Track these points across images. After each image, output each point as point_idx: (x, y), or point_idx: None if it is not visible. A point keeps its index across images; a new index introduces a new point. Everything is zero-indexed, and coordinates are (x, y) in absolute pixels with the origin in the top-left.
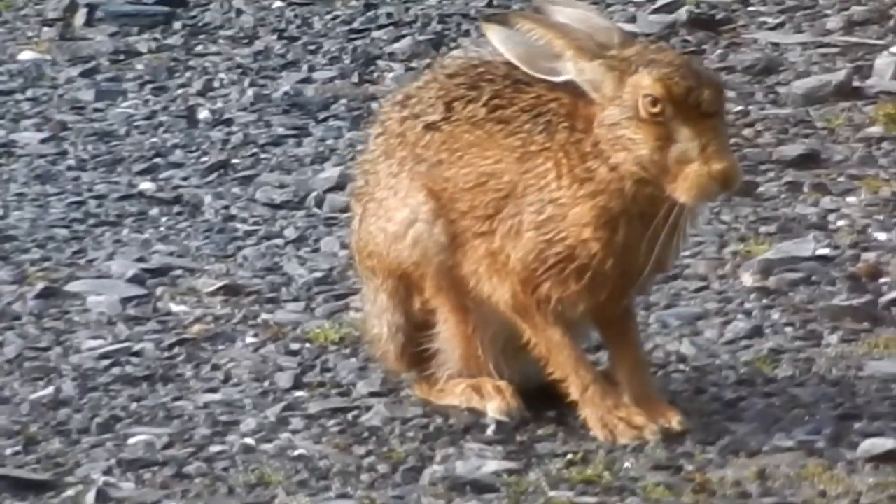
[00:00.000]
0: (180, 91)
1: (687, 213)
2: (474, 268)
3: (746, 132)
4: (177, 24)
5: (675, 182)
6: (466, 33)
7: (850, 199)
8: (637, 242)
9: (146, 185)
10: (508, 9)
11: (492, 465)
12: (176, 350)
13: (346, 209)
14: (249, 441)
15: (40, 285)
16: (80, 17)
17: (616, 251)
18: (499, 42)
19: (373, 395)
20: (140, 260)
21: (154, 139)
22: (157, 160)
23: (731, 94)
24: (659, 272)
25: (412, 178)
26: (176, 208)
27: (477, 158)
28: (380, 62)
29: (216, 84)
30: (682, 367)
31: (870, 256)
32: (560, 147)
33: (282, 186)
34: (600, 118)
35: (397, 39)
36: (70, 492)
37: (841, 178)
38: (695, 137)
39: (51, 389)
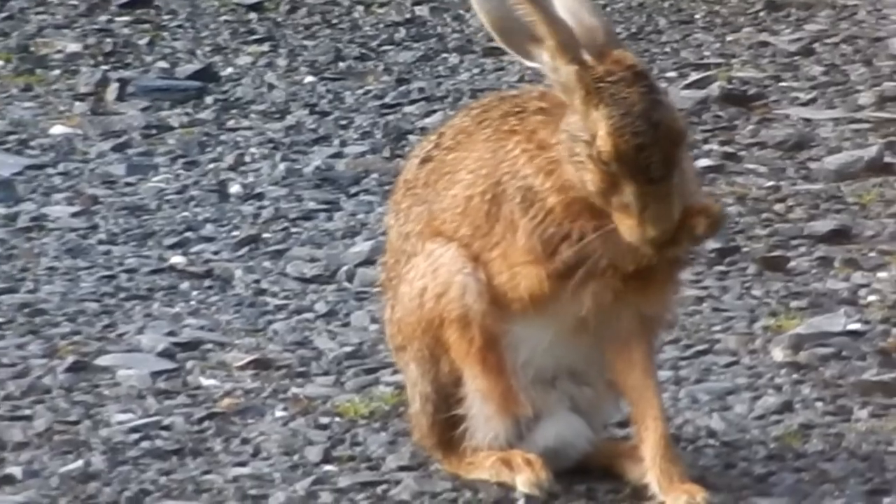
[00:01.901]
0: (212, 165)
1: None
2: (500, 278)
3: (778, 207)
4: (209, 99)
5: (615, 221)
6: None
7: (881, 274)
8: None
9: (177, 259)
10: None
11: None
12: (206, 424)
13: (376, 283)
14: None
15: (70, 359)
16: (111, 92)
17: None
18: (480, 4)
19: (402, 468)
20: (170, 334)
21: (185, 213)
22: (188, 234)
23: (762, 169)
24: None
25: (420, 226)
26: (206, 282)
27: (462, 173)
28: (411, 137)
29: (247, 158)
30: (712, 441)
31: None
32: (529, 130)
33: (312, 261)
34: (566, 121)
35: (429, 114)
36: None
37: (872, 254)
38: (636, 200)
39: (80, 463)
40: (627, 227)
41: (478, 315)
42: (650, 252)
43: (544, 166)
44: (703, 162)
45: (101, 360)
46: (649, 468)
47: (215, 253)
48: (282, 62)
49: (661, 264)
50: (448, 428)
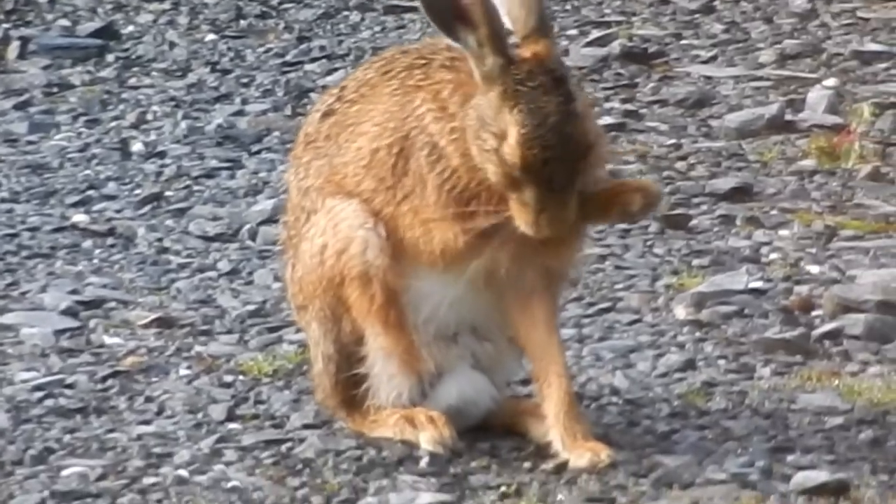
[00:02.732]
0: (113, 123)
1: None
2: (410, 233)
3: (679, 165)
4: (110, 57)
5: (512, 208)
6: None
7: (783, 232)
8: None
9: (79, 218)
10: None
11: (425, 498)
12: (109, 382)
13: (278, 241)
14: (183, 473)
15: None
16: (13, 50)
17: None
18: None
19: (306, 426)
20: (73, 292)
21: (87, 171)
22: (91, 193)
23: (663, 127)
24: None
25: (320, 181)
26: (109, 241)
27: (366, 125)
28: (312, 95)
29: (149, 116)
30: (615, 399)
31: (802, 289)
32: (434, 84)
33: (215, 219)
34: (477, 100)
35: (330, 72)
36: None
37: (773, 212)
38: (535, 203)
39: None
40: (523, 220)
41: (379, 271)
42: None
43: (448, 131)
44: (605, 120)
45: (4, 319)
46: (552, 426)
47: (118, 211)
48: (183, 20)
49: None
50: (351, 387)
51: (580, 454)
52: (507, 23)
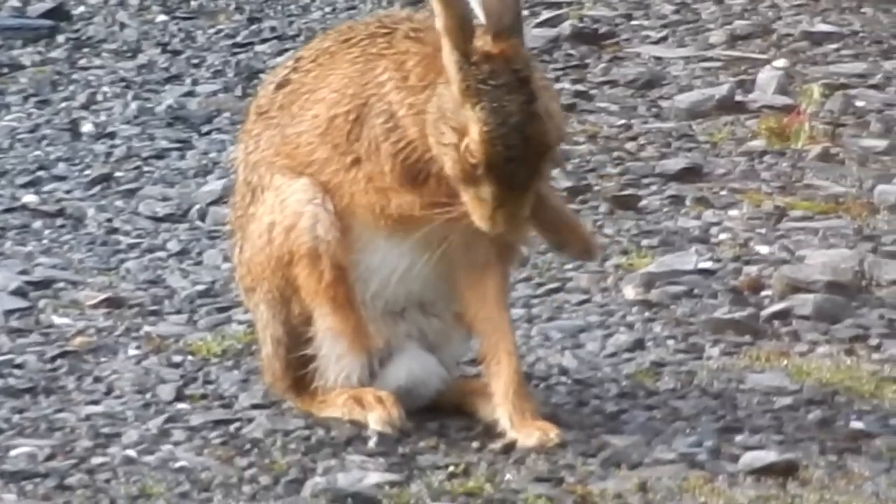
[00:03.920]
0: (64, 104)
1: None
2: (363, 199)
3: (629, 146)
4: (60, 38)
5: (464, 203)
6: None
7: (733, 212)
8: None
9: (29, 198)
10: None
11: (374, 478)
12: (58, 362)
13: (228, 222)
14: (131, 453)
15: None
16: None
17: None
18: None
19: (255, 406)
20: (23, 272)
21: (37, 152)
22: (41, 173)
23: (613, 107)
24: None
25: (270, 152)
26: (59, 221)
27: (324, 92)
28: (263, 76)
29: (100, 97)
30: (564, 379)
31: (751, 270)
32: (398, 53)
33: (165, 199)
34: (440, 91)
35: (281, 53)
36: None
37: (723, 192)
38: (492, 200)
39: None
40: (478, 215)
41: (329, 246)
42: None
43: (408, 104)
44: None
45: None
46: (500, 404)
47: (67, 192)
48: (133, 1)
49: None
50: (300, 368)
51: (529, 433)
52: (480, 14)
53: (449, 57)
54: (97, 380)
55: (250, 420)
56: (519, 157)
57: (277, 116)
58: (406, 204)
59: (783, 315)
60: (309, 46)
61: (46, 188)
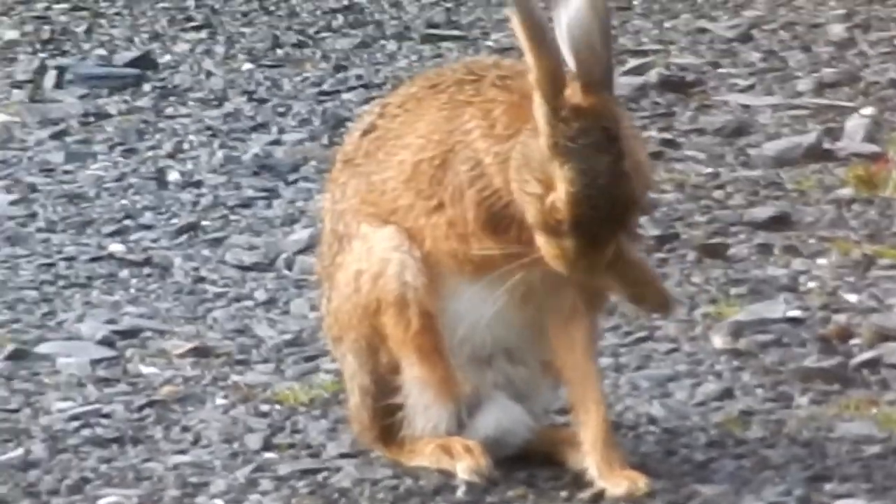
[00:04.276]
0: (150, 153)
1: None
2: (445, 246)
3: (717, 194)
4: (147, 86)
5: (546, 247)
6: None
7: (821, 260)
8: None
9: (116, 247)
10: None
11: None
12: (146, 412)
13: (314, 271)
14: (219, 503)
15: (10, 347)
16: (49, 80)
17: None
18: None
19: (343, 456)
20: (110, 322)
21: (124, 201)
22: (127, 222)
23: (701, 155)
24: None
25: (356, 201)
26: (146, 270)
27: (410, 138)
28: (349, 124)
29: (186, 146)
30: (652, 428)
31: (840, 318)
32: (485, 101)
33: (251, 248)
34: (527, 140)
35: (367, 101)
36: None
37: (811, 240)
38: (573, 252)
39: (20, 451)
40: (560, 262)
41: (416, 293)
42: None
43: (495, 152)
44: None
45: (41, 348)
46: (588, 453)
47: (154, 241)
48: (220, 49)
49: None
50: (387, 417)
51: (617, 482)
52: (570, 62)
53: (539, 109)
54: (185, 429)
55: (338, 469)
56: (605, 217)
57: (363, 164)
58: (487, 250)
59: (872, 363)
60: (396, 92)
61: (133, 237)
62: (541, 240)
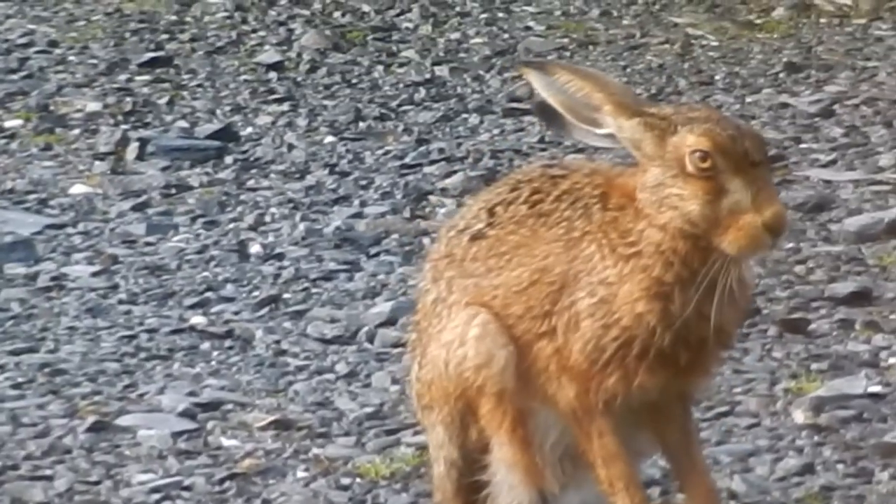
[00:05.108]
0: (232, 225)
1: (735, 269)
2: (544, 366)
3: (798, 269)
4: (228, 159)
5: (726, 234)
6: (518, 168)
7: None
8: (693, 308)
9: (197, 320)
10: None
11: None
12: (227, 484)
13: (397, 344)
14: None
15: (91, 419)
16: (131, 152)
17: (672, 321)
18: (540, 87)
19: None
20: (191, 394)
21: (205, 273)
22: (209, 294)
23: None
24: (723, 345)
25: (463, 296)
26: (227, 342)
27: (526, 258)
28: (431, 197)
29: (267, 218)
30: None
31: None
32: (599, 228)
33: (333, 321)
34: (643, 181)
35: (449, 175)
36: None
37: (893, 316)
38: (746, 187)
39: None
40: (745, 223)
41: (513, 394)
42: (768, 241)
43: (623, 252)
44: None
45: (122, 421)
46: None
47: (235, 313)
48: (301, 122)
49: (712, 355)
50: (471, 492)
51: None
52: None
53: (631, 126)
54: (266, 502)
55: None
56: (740, 134)
57: (470, 267)
58: (581, 394)
59: None
60: (498, 197)
61: (214, 309)
62: (729, 231)
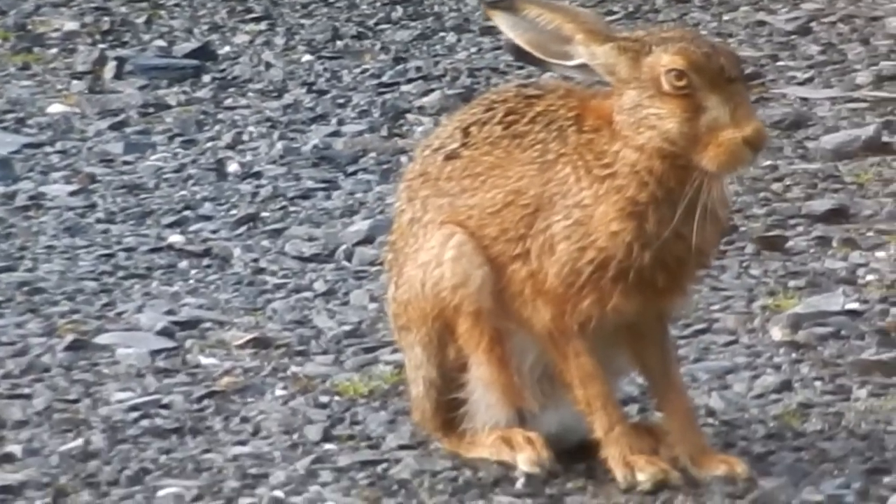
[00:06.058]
0: (209, 144)
1: (715, 186)
2: (518, 289)
3: (775, 187)
4: (206, 78)
5: (706, 151)
6: (496, 86)
7: (879, 253)
8: (669, 229)
9: (175, 238)
10: None
11: None
12: (205, 402)
13: (375, 262)
14: (279, 494)
15: (70, 337)
16: (109, 71)
17: (649, 241)
18: (507, 28)
19: (402, 447)
20: (169, 312)
21: (183, 192)
22: (187, 213)
23: None
24: (701, 264)
25: (438, 215)
26: (205, 261)
27: (500, 179)
28: (409, 116)
29: (245, 137)
30: (711, 420)
31: None
32: (574, 150)
33: (311, 240)
34: (619, 104)
35: (426, 93)
36: None
37: (870, 233)
38: (724, 103)
39: (80, 441)
40: (724, 139)
41: (490, 314)
42: (749, 156)
43: (598, 173)
44: None
45: (101, 339)
46: (679, 441)
47: (214, 232)
48: (279, 41)
49: (690, 276)
50: (450, 410)
51: (714, 467)
52: None
53: (605, 52)
54: (244, 420)
55: (398, 461)
56: (715, 51)
57: (445, 186)
58: (557, 317)
59: None
60: (473, 117)
61: (192, 228)
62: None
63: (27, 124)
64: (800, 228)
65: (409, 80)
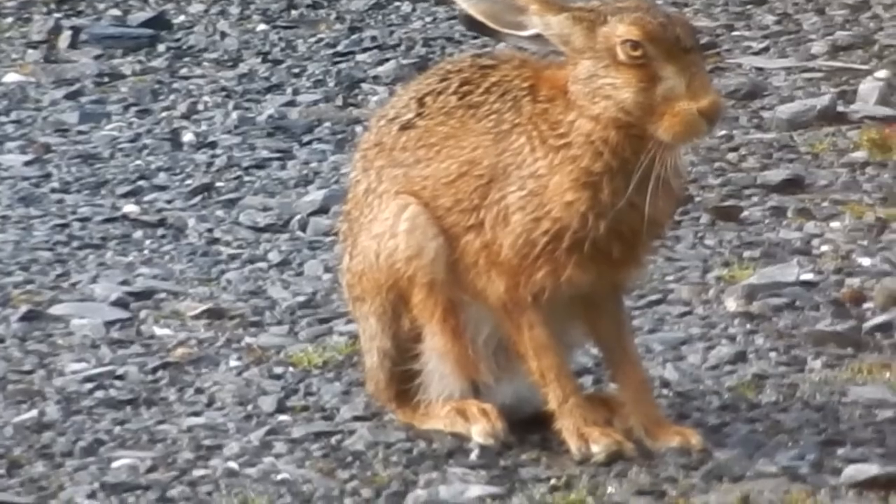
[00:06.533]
0: (164, 114)
1: (670, 157)
2: (472, 260)
3: (730, 156)
4: (161, 47)
5: (661, 122)
6: (450, 56)
7: (834, 224)
8: (623, 199)
9: (130, 208)
10: None
11: (475, 490)
12: (159, 373)
13: (329, 232)
14: (233, 465)
15: (24, 308)
16: (64, 40)
17: (604, 212)
18: (463, 0)
19: (356, 419)
20: (124, 283)
21: (138, 162)
22: (141, 183)
23: None
24: (655, 235)
25: (393, 186)
26: (160, 231)
27: (455, 150)
28: (364, 85)
29: (200, 107)
30: (665, 392)
31: (854, 282)
32: (529, 120)
33: (266, 210)
34: (574, 74)
35: (381, 63)
36: None
37: (825, 204)
38: (680, 74)
39: (34, 412)
40: (679, 109)
41: (444, 285)
42: (704, 128)
43: (553, 143)
44: None
45: (55, 310)
46: (633, 412)
47: (168, 202)
48: (234, 10)
49: (645, 247)
50: (404, 381)
51: (669, 438)
52: None
53: (559, 21)
54: (198, 391)
55: (352, 432)
56: (670, 22)
57: (399, 156)
58: (511, 288)
59: (885, 327)
60: (427, 87)
61: (147, 198)
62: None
63: None
64: (755, 199)
65: (365, 50)
